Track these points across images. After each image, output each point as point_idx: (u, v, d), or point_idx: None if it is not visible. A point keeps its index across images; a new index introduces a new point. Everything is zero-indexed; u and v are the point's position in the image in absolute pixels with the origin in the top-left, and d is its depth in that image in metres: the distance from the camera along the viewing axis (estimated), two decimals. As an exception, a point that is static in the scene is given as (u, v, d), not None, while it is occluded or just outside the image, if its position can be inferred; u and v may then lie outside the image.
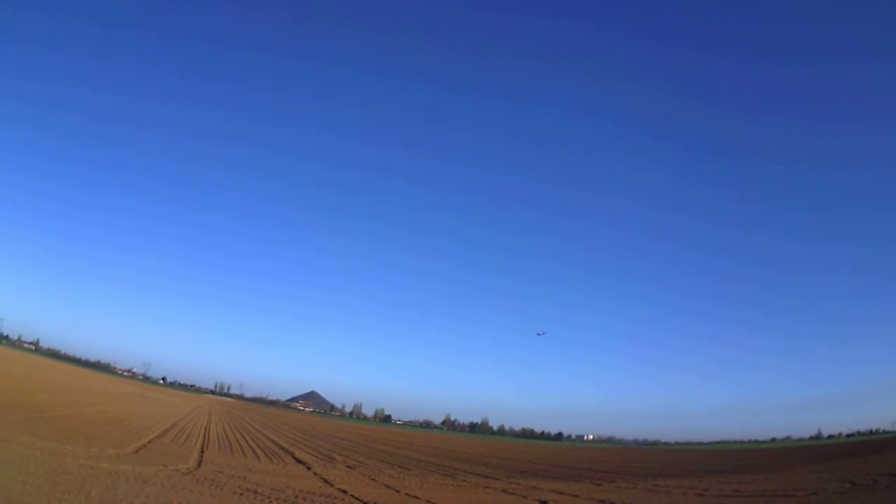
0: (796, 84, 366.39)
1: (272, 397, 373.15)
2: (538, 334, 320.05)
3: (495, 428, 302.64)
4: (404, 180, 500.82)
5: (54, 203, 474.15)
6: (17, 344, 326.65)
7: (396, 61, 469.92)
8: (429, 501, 29.04)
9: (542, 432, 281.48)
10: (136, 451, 36.47)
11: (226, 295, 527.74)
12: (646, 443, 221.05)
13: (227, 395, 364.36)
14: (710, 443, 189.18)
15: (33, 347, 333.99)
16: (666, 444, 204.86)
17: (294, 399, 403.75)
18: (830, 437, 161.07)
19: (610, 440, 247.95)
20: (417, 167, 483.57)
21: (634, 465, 73.37)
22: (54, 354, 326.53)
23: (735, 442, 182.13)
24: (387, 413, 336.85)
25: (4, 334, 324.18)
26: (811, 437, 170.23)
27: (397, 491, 32.61)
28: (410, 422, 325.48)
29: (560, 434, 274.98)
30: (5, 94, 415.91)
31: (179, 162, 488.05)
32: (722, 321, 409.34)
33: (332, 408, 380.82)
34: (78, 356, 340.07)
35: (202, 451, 43.50)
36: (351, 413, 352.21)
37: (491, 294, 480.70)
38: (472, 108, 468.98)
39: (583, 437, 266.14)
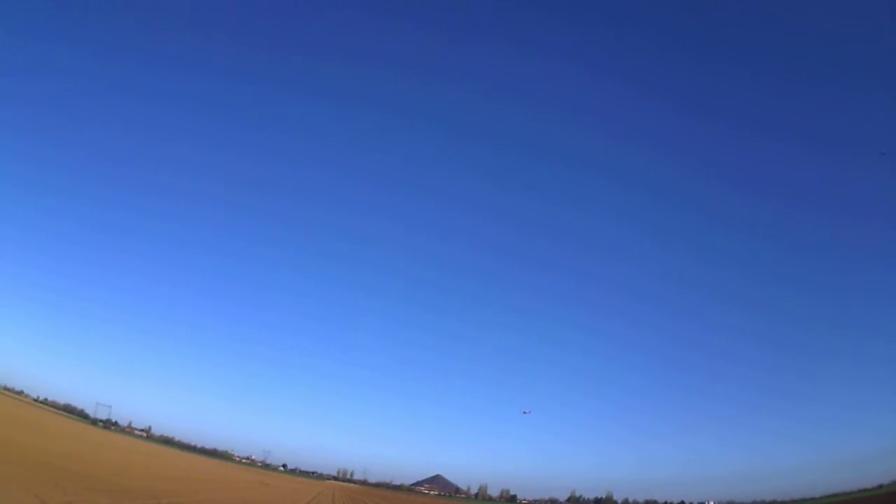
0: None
1: (396, 482, 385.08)
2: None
3: (619, 501, 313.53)
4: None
5: (158, 288, 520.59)
6: (128, 430, 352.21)
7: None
8: None
9: (665, 502, 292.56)
10: None
11: (346, 380, 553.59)
12: (763, 503, 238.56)
13: (350, 480, 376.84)
14: (822, 497, 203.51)
15: (145, 434, 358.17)
16: (782, 502, 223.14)
17: (419, 483, 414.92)
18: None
19: None
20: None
21: None
22: (168, 442, 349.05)
23: (844, 493, 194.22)
24: (512, 493, 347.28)
25: (114, 421, 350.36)
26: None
27: None
28: (536, 500, 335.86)
29: (682, 502, 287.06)
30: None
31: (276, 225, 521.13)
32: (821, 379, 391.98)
33: (458, 490, 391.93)
34: (193, 444, 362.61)
35: None
36: (476, 494, 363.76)
37: (608, 365, 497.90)
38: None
39: (704, 503, 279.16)
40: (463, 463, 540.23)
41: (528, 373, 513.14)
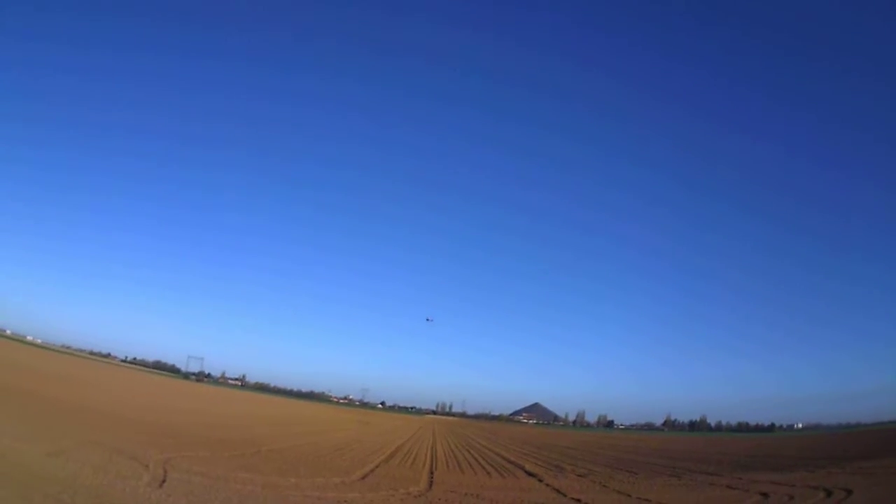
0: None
1: (495, 412, 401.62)
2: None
3: (713, 424, 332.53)
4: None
5: (247, 237, 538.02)
6: (222, 381, 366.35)
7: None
8: (660, 503, 33.03)
9: (756, 424, 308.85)
10: (363, 478, 38.44)
11: (443, 313, 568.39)
12: (849, 426, 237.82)
13: (449, 413, 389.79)
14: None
15: (240, 383, 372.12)
16: (867, 425, 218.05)
17: (517, 412, 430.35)
18: None
19: (817, 427, 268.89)
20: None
21: (840, 450, 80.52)
22: (263, 388, 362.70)
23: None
24: (609, 419, 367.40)
25: (207, 373, 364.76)
26: None
27: (629, 495, 36.50)
28: (632, 425, 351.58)
29: (772, 425, 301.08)
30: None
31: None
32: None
33: (556, 418, 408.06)
34: (289, 388, 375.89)
35: (431, 472, 46.13)
36: (574, 421, 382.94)
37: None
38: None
39: (793, 425, 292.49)
40: (561, 391, 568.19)
41: (617, 301, 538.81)
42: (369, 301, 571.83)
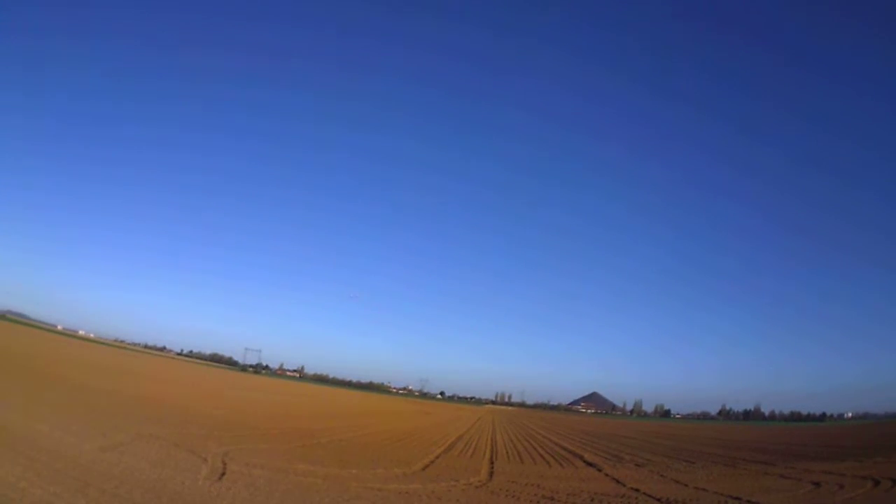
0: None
1: (554, 402, 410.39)
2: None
3: (767, 413, 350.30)
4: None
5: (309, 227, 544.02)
6: (280, 373, 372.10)
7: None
8: (716, 492, 33.41)
9: (808, 414, 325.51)
10: (424, 469, 38.45)
11: (502, 303, 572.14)
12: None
13: (508, 403, 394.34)
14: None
15: (298, 375, 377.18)
16: None
17: (575, 402, 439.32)
18: None
19: (866, 416, 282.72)
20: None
21: (888, 440, 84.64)
22: (321, 380, 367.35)
23: None
24: (666, 408, 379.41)
25: (265, 365, 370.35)
26: None
27: (685, 485, 37.17)
28: (688, 414, 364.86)
29: (823, 414, 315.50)
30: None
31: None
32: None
33: (614, 407, 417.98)
34: (348, 379, 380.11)
35: (492, 463, 46.53)
36: (632, 411, 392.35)
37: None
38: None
39: (843, 415, 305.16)
40: (619, 380, 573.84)
41: (675, 293, 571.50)
42: (427, 292, 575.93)
